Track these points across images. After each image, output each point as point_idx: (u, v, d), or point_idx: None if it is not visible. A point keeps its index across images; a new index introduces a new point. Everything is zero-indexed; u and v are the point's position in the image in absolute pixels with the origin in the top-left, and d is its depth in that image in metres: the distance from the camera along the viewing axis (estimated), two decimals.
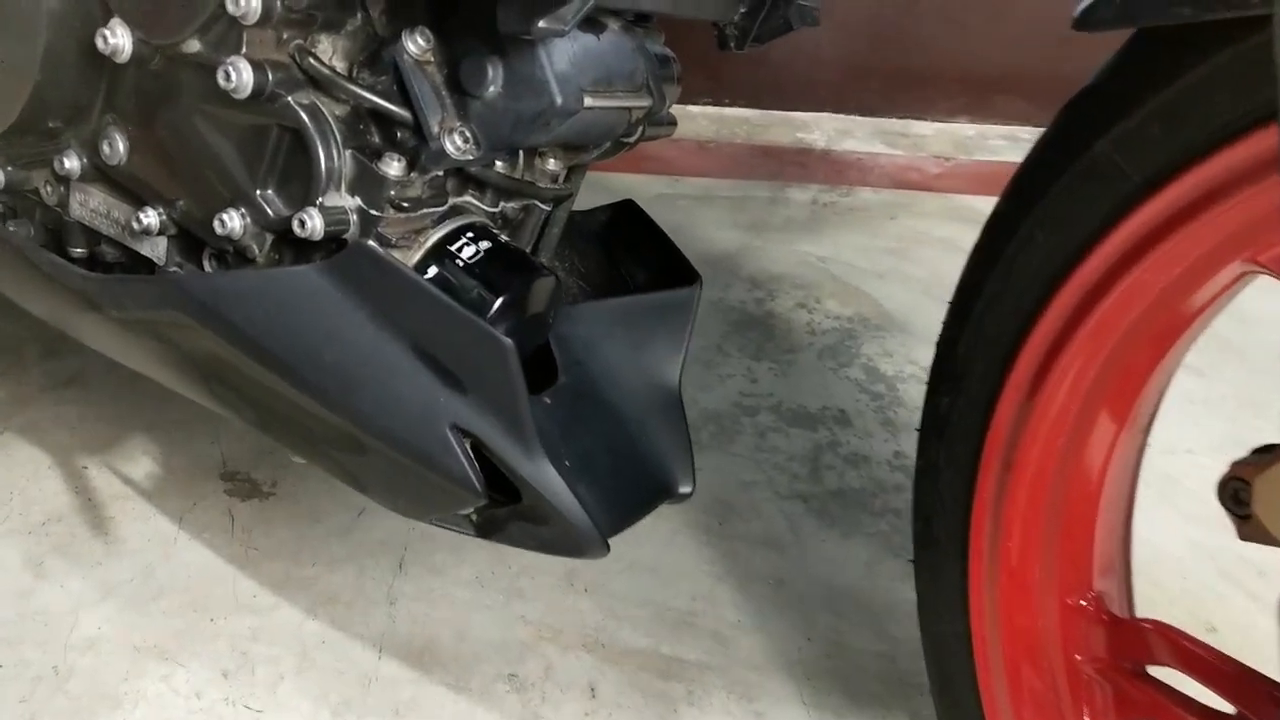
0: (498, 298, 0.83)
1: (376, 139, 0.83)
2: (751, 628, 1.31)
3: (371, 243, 0.77)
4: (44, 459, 1.48)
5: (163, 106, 0.86)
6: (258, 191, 0.83)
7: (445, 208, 0.86)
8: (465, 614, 1.28)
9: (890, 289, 2.06)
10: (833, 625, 1.33)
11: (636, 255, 1.08)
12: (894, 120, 2.63)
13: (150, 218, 0.88)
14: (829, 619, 1.34)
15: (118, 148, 0.89)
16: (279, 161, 0.82)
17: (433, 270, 0.84)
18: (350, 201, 0.81)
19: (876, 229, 2.25)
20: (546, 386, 0.94)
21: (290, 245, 0.84)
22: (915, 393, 1.84)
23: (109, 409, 1.57)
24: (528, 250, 0.99)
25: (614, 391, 0.97)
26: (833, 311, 2.00)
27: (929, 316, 2.03)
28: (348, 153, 0.80)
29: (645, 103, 0.88)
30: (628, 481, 0.93)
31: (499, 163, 0.89)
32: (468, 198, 0.89)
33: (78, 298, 0.89)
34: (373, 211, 0.81)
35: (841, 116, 2.60)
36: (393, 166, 0.80)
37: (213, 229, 0.84)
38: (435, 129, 0.80)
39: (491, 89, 0.79)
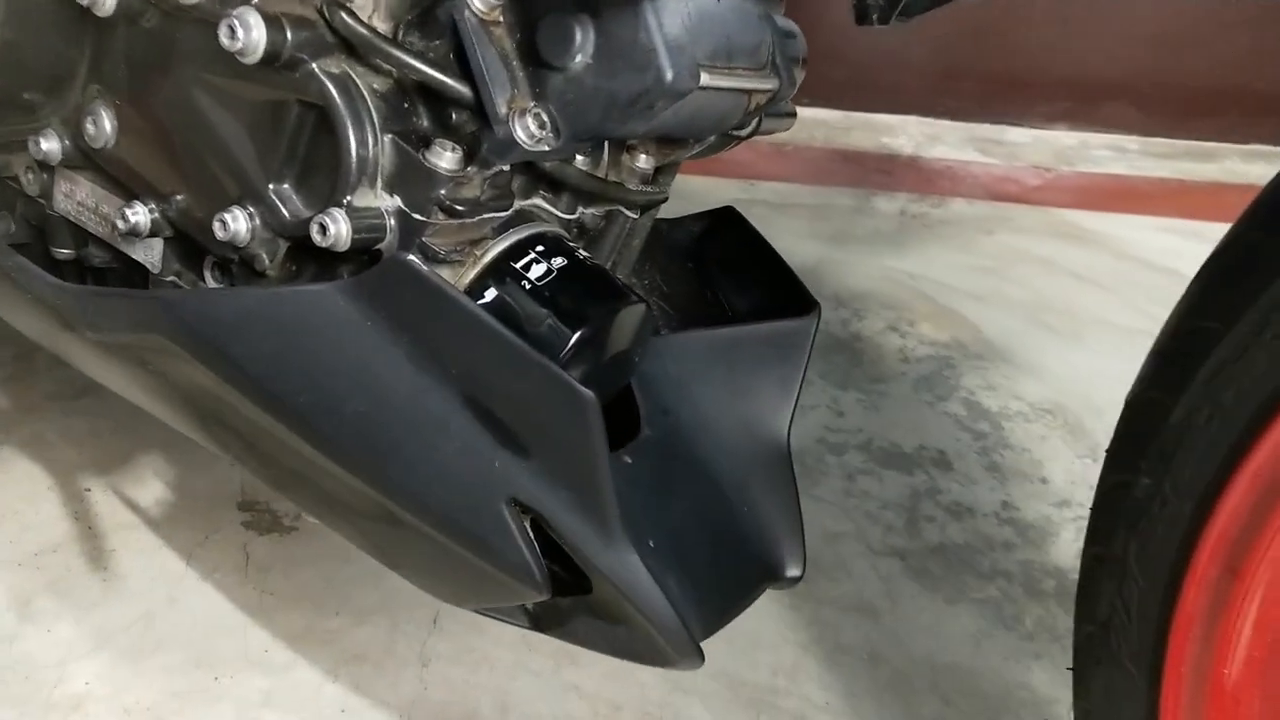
0: (574, 332, 0.63)
1: (425, 122, 0.63)
2: (841, 710, 1.11)
3: (412, 257, 0.57)
4: (45, 478, 1.31)
5: (157, 75, 0.67)
6: (270, 186, 0.64)
7: (510, 213, 0.67)
8: (508, 681, 1.08)
9: (990, 313, 1.84)
10: (938, 713, 1.12)
11: (737, 275, 0.88)
12: (987, 126, 2.40)
13: (139, 214, 0.69)
14: (933, 704, 1.13)
15: (104, 126, 0.70)
16: (298, 148, 0.63)
17: (491, 293, 0.64)
18: (388, 202, 0.62)
19: (971, 244, 2.03)
20: (626, 439, 0.74)
21: (311, 257, 0.64)
22: (1022, 433, 1.61)
23: (122, 422, 1.39)
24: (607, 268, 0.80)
25: (709, 447, 0.77)
26: (927, 336, 1.78)
27: (1034, 346, 1.80)
28: (387, 139, 0.61)
29: (770, 85, 0.68)
30: (726, 566, 0.73)
31: (579, 157, 0.70)
32: (538, 201, 0.70)
33: (50, 312, 0.70)
34: (416, 216, 0.62)
35: (930, 120, 2.37)
36: (444, 158, 0.61)
37: (213, 232, 0.65)
38: (502, 110, 0.60)
39: (578, 59, 0.59)
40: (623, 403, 0.75)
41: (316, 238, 0.60)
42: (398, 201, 0.62)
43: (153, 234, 0.71)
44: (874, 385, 1.63)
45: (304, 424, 0.61)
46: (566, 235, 0.70)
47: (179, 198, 0.70)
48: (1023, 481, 1.48)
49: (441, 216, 0.62)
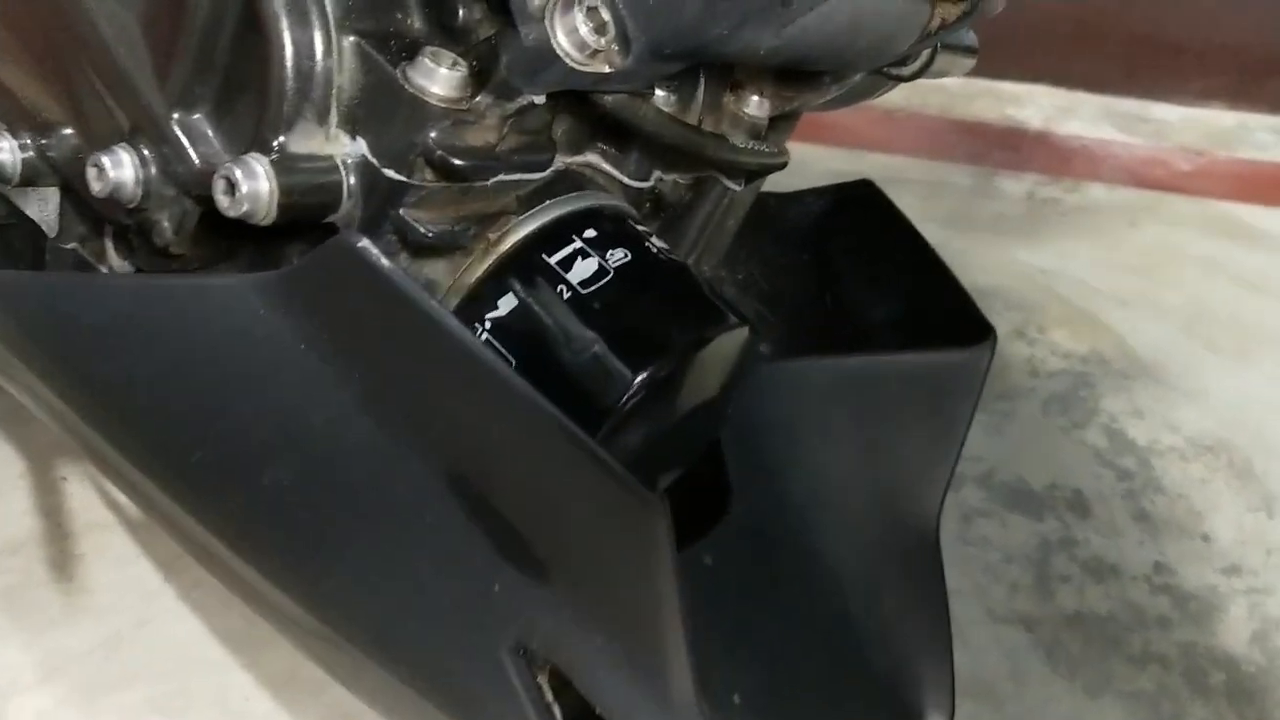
0: (637, 373, 0.38)
1: (411, 19, 0.39)
2: None
3: (365, 243, 0.33)
4: (16, 462, 1.11)
5: None
6: (173, 114, 0.40)
7: (546, 175, 0.42)
8: None
9: (1137, 320, 1.54)
10: None
11: (873, 277, 0.62)
12: (1129, 100, 2.08)
13: (4, 152, 0.46)
14: None
15: None
16: (213, 53, 0.39)
17: (507, 304, 0.40)
18: (346, 147, 0.38)
19: (1114, 238, 1.73)
20: (704, 520, 0.50)
21: (242, 231, 0.40)
22: (1177, 474, 1.33)
23: None
24: (690, 261, 0.55)
25: (826, 532, 0.53)
26: (1061, 346, 1.49)
27: (1192, 364, 1.50)
28: (347, 42, 0.37)
29: None
30: None
31: (659, 91, 0.45)
32: (593, 159, 0.45)
33: None
34: (390, 172, 0.37)
35: (1063, 91, 2.06)
36: (437, 77, 0.36)
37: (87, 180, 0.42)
38: (534, 1, 0.36)
39: None
40: (704, 464, 0.51)
41: (221, 201, 0.36)
42: (361, 147, 0.37)
43: (27, 181, 0.47)
44: (996, 403, 1.35)
45: (193, 493, 0.38)
46: (633, 213, 0.45)
47: (65, 131, 0.46)
48: (1180, 537, 1.20)
49: (431, 175, 0.38)
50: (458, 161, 0.37)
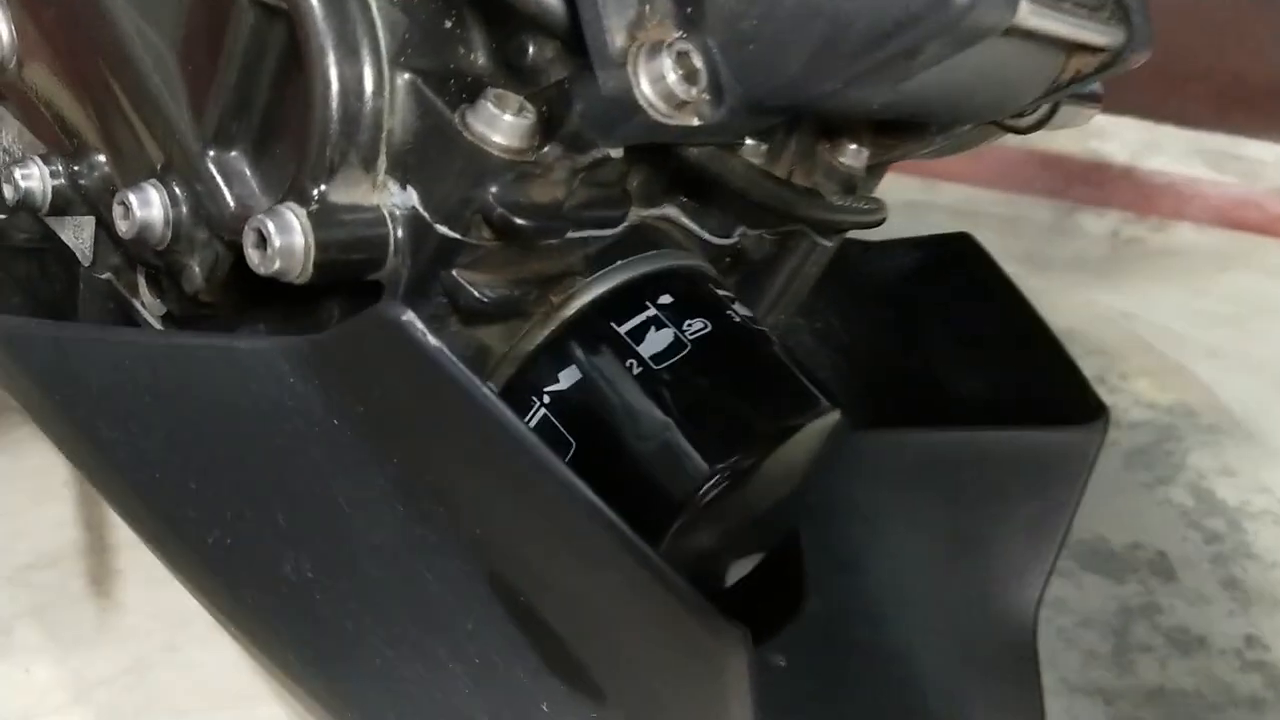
0: (715, 465, 0.34)
1: (475, 55, 0.35)
2: None
3: (409, 317, 0.28)
4: (58, 473, 1.09)
5: None
6: (208, 151, 0.36)
7: (618, 231, 0.38)
8: None
9: (1227, 372, 1.45)
10: None
11: (967, 341, 0.56)
12: (1221, 136, 1.98)
13: (33, 179, 0.43)
14: None
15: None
16: (254, 88, 0.35)
17: (568, 378, 0.35)
18: (395, 198, 0.33)
19: (1202, 282, 1.64)
20: (777, 615, 0.44)
21: (270, 287, 0.36)
22: (1271, 540, 1.24)
23: None
24: (768, 321, 0.49)
25: (910, 631, 0.47)
26: (1145, 396, 1.41)
27: None
28: (402, 80, 0.33)
29: (1109, 40, 0.36)
30: None
31: (749, 140, 0.40)
32: (671, 213, 0.40)
33: None
34: (443, 229, 0.33)
35: (1150, 125, 1.97)
36: (502, 124, 0.32)
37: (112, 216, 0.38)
38: (618, 42, 0.31)
39: None
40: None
41: (252, 256, 0.32)
42: (412, 199, 0.33)
43: (58, 211, 0.44)
44: None
45: (206, 575, 0.34)
46: (713, 274, 0.40)
47: (99, 159, 0.43)
48: (1274, 608, 1.12)
49: (489, 233, 0.33)
50: (520, 221, 0.33)
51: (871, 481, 0.50)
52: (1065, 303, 1.56)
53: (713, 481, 0.33)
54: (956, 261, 0.58)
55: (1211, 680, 1.03)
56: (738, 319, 0.37)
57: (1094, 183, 1.83)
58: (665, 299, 0.37)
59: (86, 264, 0.49)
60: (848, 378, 0.62)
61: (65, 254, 0.50)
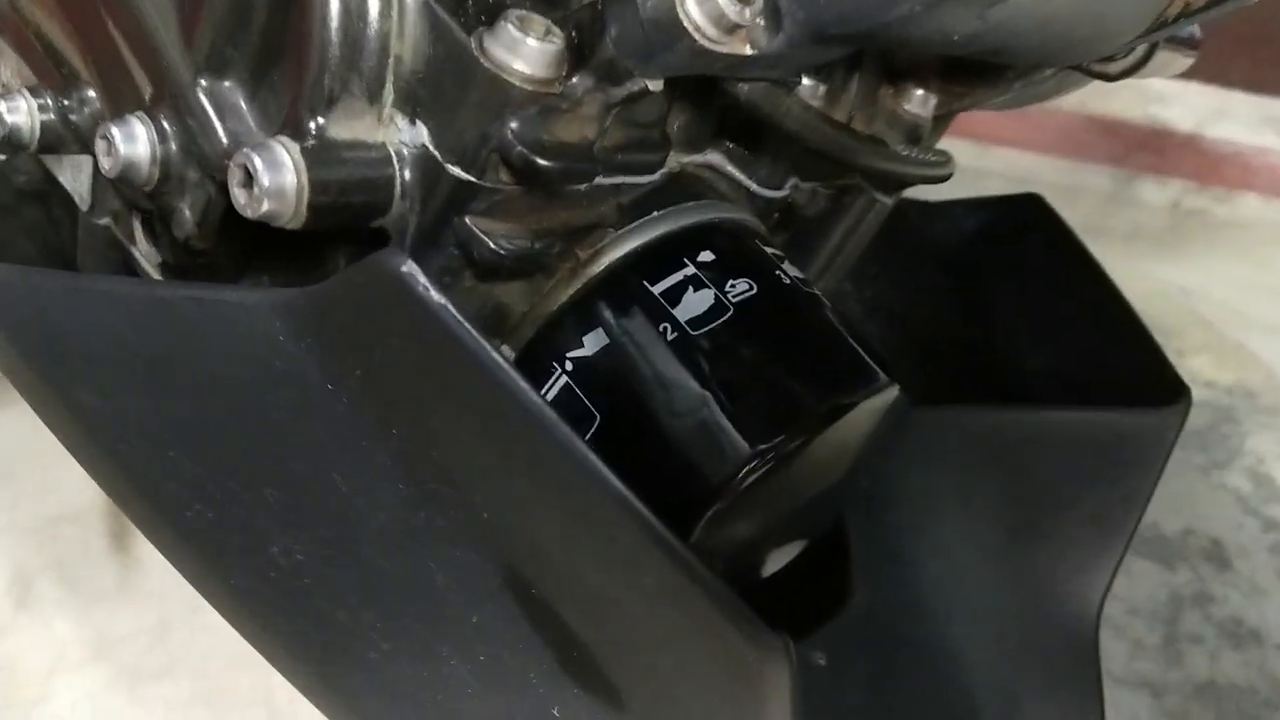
0: (753, 449, 0.29)
1: None
2: None
3: (410, 269, 0.24)
4: None
5: None
6: (198, 80, 0.32)
7: (656, 178, 0.33)
8: None
9: None
10: None
11: (1034, 313, 0.51)
12: None
13: (20, 113, 0.39)
14: None
15: None
16: (247, 7, 0.31)
17: (594, 343, 0.31)
18: (404, 133, 0.29)
19: (1268, 257, 1.57)
20: (820, 607, 0.40)
21: (270, 234, 0.32)
22: None
23: None
24: (818, 283, 0.45)
25: (965, 626, 0.43)
26: (1202, 375, 1.35)
27: None
28: (412, 1, 0.29)
29: None
30: None
31: (806, 80, 0.35)
32: (713, 158, 0.36)
33: None
34: (456, 170, 0.29)
35: (1217, 90, 1.87)
36: (524, 50, 0.28)
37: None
38: None
39: None
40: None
41: (238, 196, 0.28)
42: (422, 135, 0.29)
43: (48, 148, 0.40)
44: None
45: (188, 553, 0.30)
46: (761, 230, 0.36)
47: (89, 93, 0.39)
48: None
49: (509, 176, 0.29)
50: (544, 162, 0.28)
51: (925, 464, 0.45)
52: (1121, 275, 1.49)
53: (753, 465, 0.29)
54: (1025, 225, 0.53)
55: (1265, 675, 0.98)
56: (788, 280, 0.33)
57: (1155, 150, 1.75)
58: (706, 256, 0.32)
59: (85, 208, 0.45)
60: (900, 350, 0.57)
61: (70, 198, 0.47)
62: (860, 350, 0.33)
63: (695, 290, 0.32)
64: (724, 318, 0.31)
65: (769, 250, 0.34)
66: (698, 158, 0.35)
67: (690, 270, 0.32)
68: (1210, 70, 1.90)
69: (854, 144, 0.35)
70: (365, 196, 0.30)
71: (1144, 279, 1.50)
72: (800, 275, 0.34)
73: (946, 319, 0.55)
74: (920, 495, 0.44)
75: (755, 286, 0.32)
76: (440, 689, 0.29)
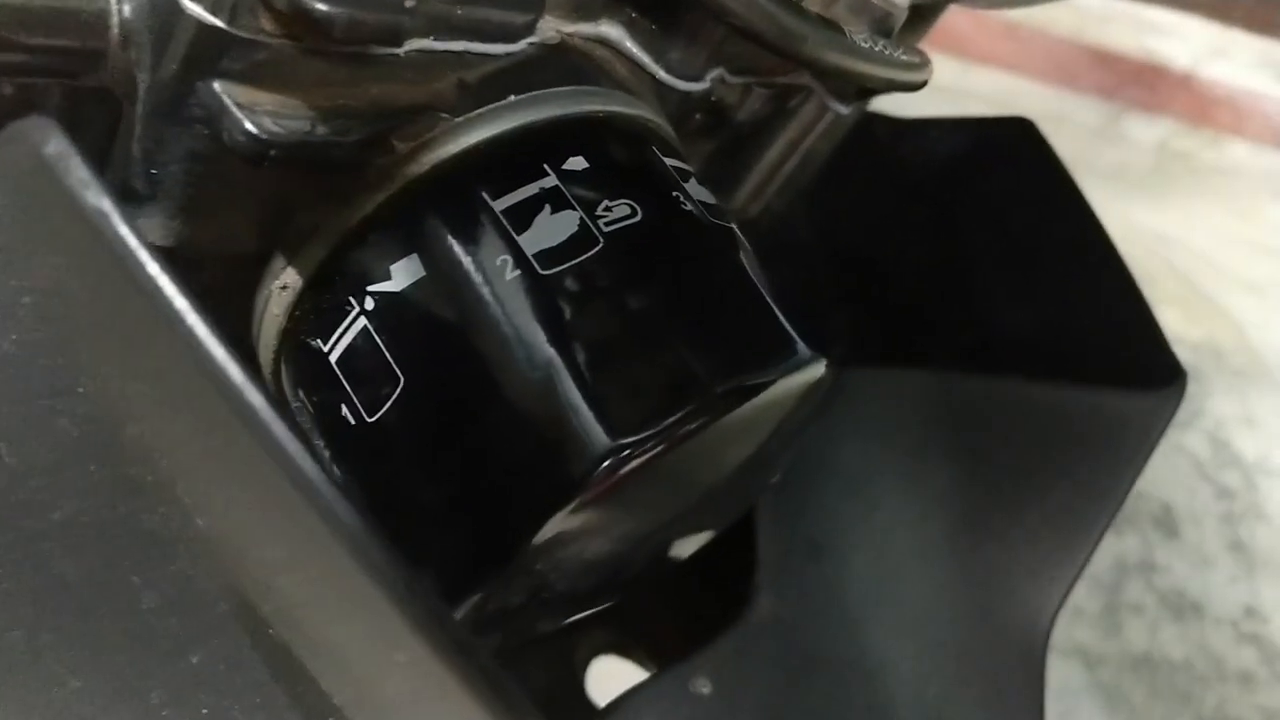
0: (615, 440, 0.21)
1: None
2: None
3: (56, 149, 0.15)
4: None
5: None
6: None
7: (521, 48, 0.24)
8: None
9: (1265, 312, 1.33)
10: None
11: (1015, 260, 0.43)
12: None
13: None
14: None
15: None
16: None
17: (404, 275, 0.22)
18: None
19: (1250, 209, 1.49)
20: (708, 609, 0.32)
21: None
22: None
23: None
24: (751, 209, 0.36)
25: (890, 645, 0.35)
26: (1171, 329, 1.27)
27: None
28: None
29: None
30: None
31: None
32: (608, 30, 0.26)
33: None
34: (196, 9, 0.19)
35: (1217, 27, 1.77)
36: None
37: None
38: None
39: None
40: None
41: None
42: None
43: None
44: None
45: None
46: (666, 136, 0.27)
47: None
48: (1278, 579, 1.01)
49: (272, 25, 0.19)
50: (322, 5, 0.19)
51: (861, 439, 0.37)
52: (1099, 216, 1.41)
53: (613, 462, 0.21)
54: (1010, 155, 0.43)
55: (1204, 651, 0.94)
56: (688, 207, 0.24)
57: (1147, 84, 1.65)
58: (576, 163, 0.23)
59: None
60: (855, 292, 0.48)
61: None
62: (777, 312, 0.24)
63: (554, 210, 0.22)
64: (590, 252, 0.22)
65: (670, 163, 0.25)
66: (586, 28, 0.26)
67: (550, 181, 0.22)
68: (1212, 5, 1.78)
69: (800, 27, 0.25)
70: (69, 41, 0.20)
71: (1121, 221, 1.41)
72: (710, 201, 0.25)
73: (911, 258, 0.46)
74: (851, 477, 0.36)
75: (640, 211, 0.23)
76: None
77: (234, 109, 0.20)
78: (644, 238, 0.23)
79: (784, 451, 0.27)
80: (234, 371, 0.16)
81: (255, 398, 0.16)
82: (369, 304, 0.22)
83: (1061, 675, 0.88)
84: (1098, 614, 0.94)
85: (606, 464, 0.21)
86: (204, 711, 0.20)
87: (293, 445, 0.16)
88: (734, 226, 0.25)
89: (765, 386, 0.22)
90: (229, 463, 0.18)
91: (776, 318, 0.24)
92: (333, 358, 0.23)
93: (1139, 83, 1.64)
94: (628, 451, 0.21)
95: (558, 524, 0.21)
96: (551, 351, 0.21)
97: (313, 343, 0.23)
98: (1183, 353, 1.24)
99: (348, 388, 0.23)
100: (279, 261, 0.24)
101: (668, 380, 0.21)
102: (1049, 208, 0.42)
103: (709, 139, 0.33)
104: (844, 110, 0.33)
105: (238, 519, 0.18)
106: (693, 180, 0.25)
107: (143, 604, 0.20)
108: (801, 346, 0.24)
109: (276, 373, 0.25)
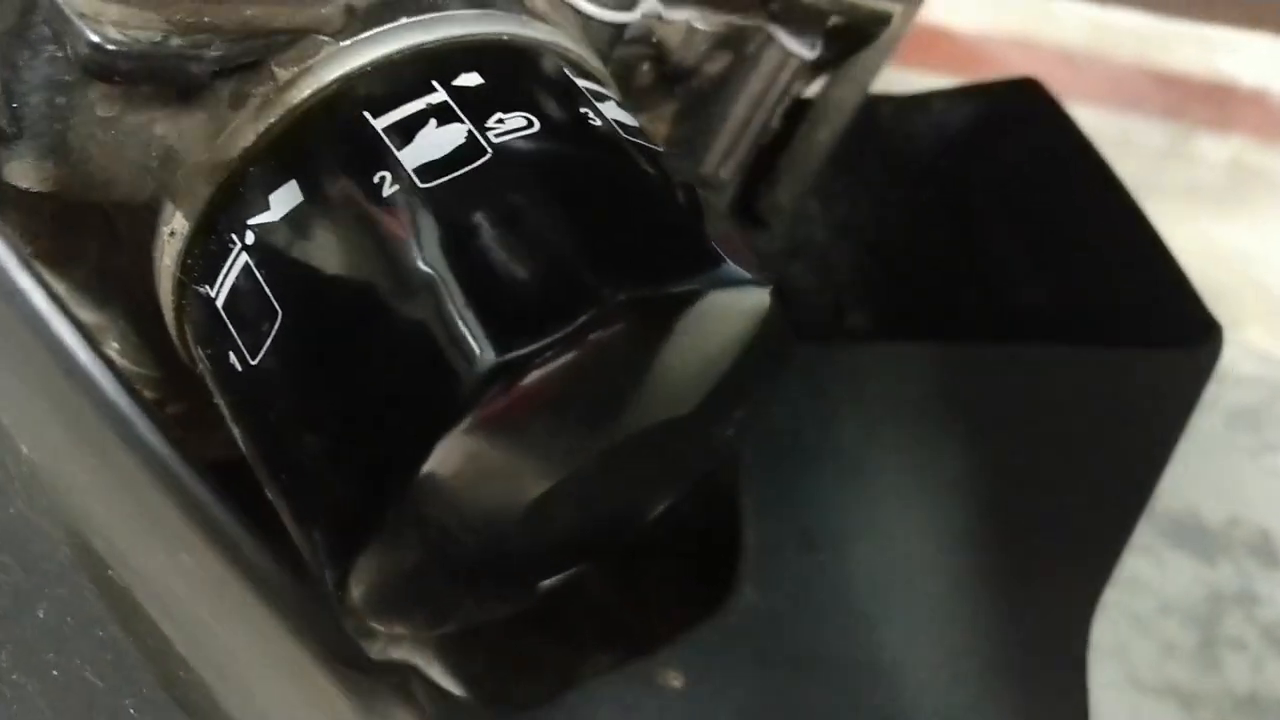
0: (500, 353, 0.18)
1: None
2: None
3: None
4: None
5: None
6: None
7: None
8: None
9: None
10: None
11: (1032, 230, 0.39)
12: None
13: None
14: None
15: None
16: None
17: (283, 203, 0.20)
18: None
19: None
20: (685, 603, 0.29)
21: None
22: None
23: None
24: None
25: (900, 645, 0.31)
26: (1257, 346, 1.21)
27: None
28: None
29: None
30: None
31: None
32: None
33: None
34: None
35: None
36: None
37: None
38: None
39: None
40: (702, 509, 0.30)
41: None
42: None
43: None
44: None
45: None
46: (589, 66, 0.25)
47: None
48: None
49: None
50: None
51: (865, 419, 0.34)
52: (1172, 235, 1.34)
53: (499, 379, 0.18)
54: (1020, 117, 0.41)
55: None
56: (599, 123, 0.22)
57: (1215, 102, 1.58)
58: (469, 79, 0.21)
59: None
60: (874, 282, 0.45)
61: None
62: (696, 225, 0.21)
63: (440, 124, 0.20)
64: (476, 163, 0.20)
65: (584, 85, 0.23)
66: None
67: (439, 97, 0.21)
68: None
69: None
70: None
71: (1198, 239, 1.35)
72: (631, 123, 0.23)
73: (926, 240, 0.43)
74: (851, 462, 0.33)
75: (537, 123, 0.21)
76: (4, 718, 0.19)
77: (75, 19, 0.19)
78: (539, 147, 0.20)
79: (738, 407, 0.25)
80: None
81: (39, 301, 0.15)
82: (249, 238, 0.21)
83: (1155, 717, 0.81)
84: (1193, 650, 0.86)
85: (494, 381, 0.18)
86: (54, 674, 0.18)
87: (84, 354, 0.15)
88: (661, 150, 0.23)
89: (676, 301, 0.20)
90: (34, 378, 0.16)
91: (699, 234, 0.21)
92: (219, 302, 0.21)
93: (1207, 102, 1.58)
94: (517, 367, 0.18)
95: (448, 455, 0.19)
96: (430, 268, 0.19)
97: (202, 290, 0.22)
98: (1270, 370, 1.17)
99: (233, 332, 0.21)
100: (168, 208, 0.22)
101: (562, 290, 0.19)
102: (1063, 169, 0.39)
103: (669, 99, 0.31)
104: (808, 55, 0.30)
105: (52, 443, 0.16)
106: (612, 104, 0.23)
107: None
108: (730, 266, 0.21)
109: (181, 332, 0.23)
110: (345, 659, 0.13)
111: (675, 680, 0.26)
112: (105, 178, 0.22)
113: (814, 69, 0.37)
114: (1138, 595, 0.91)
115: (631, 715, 0.25)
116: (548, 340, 0.19)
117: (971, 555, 0.33)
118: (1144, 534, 0.97)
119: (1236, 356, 1.21)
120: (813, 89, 0.41)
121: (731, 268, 0.21)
